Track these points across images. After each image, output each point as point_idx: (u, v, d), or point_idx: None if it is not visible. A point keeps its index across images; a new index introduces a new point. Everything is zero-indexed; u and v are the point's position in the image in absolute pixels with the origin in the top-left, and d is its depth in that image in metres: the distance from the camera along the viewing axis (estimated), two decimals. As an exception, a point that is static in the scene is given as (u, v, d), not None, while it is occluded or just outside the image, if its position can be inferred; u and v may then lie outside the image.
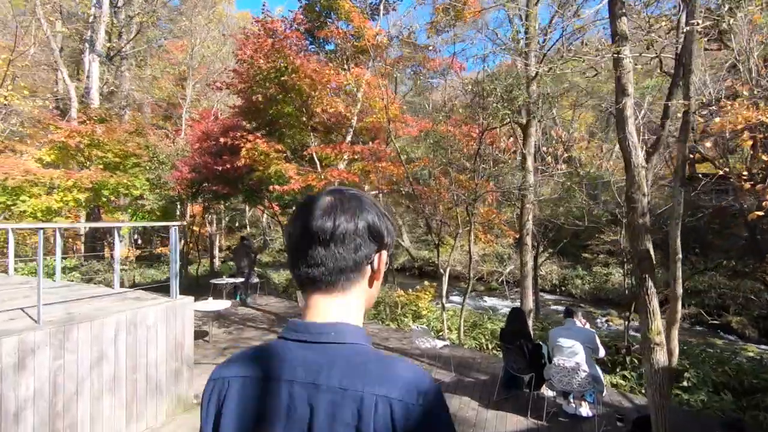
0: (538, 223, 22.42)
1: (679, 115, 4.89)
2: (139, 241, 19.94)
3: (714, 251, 19.52)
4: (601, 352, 4.74)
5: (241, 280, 11.00)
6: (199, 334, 8.16)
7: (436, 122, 6.75)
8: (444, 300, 8.85)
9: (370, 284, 0.82)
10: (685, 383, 6.54)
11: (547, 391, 5.48)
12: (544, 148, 9.10)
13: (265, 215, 17.94)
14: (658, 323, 4.16)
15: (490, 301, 19.75)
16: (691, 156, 20.96)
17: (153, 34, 18.64)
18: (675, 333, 4.36)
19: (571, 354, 4.64)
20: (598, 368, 4.73)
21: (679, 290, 4.29)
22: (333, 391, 0.67)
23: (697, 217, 15.62)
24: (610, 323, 15.14)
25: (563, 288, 19.64)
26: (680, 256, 4.28)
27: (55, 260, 6.63)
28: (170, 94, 18.27)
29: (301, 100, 7.50)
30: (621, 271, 19.18)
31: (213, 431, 0.74)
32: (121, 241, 15.55)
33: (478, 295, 20.34)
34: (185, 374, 5.12)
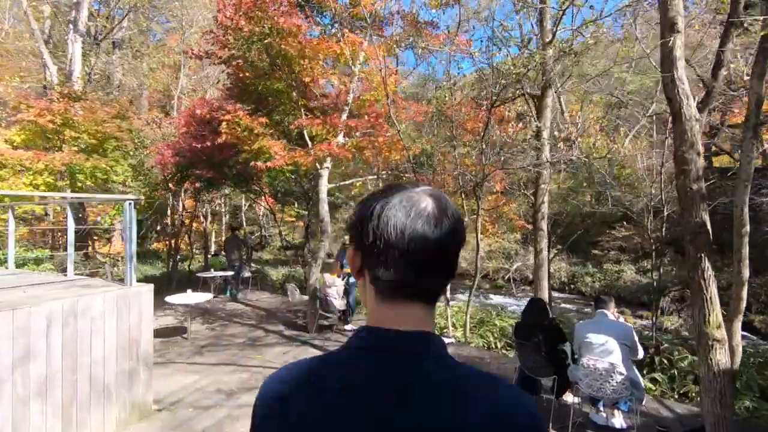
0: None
1: (732, 65, 4.06)
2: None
3: (731, 248, 18.53)
4: (640, 352, 3.88)
5: (231, 273, 10.20)
6: (178, 330, 7.36)
7: (439, 90, 5.91)
8: (448, 294, 7.99)
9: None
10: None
11: (569, 397, 4.61)
12: (556, 133, 8.24)
13: (262, 210, 17.16)
14: (717, 314, 3.29)
15: (496, 299, 18.84)
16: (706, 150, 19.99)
17: (146, 22, 17.92)
18: (738, 327, 3.50)
19: (603, 353, 3.77)
20: (636, 371, 3.86)
21: (746, 273, 3.44)
22: (424, 411, 0.57)
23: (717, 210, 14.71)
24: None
25: (572, 286, 18.71)
26: (747, 228, 3.42)
27: (36, 251, 5.82)
28: (166, 86, 17.58)
29: (288, 69, 6.67)
30: (633, 268, 18.30)
31: None
32: (111, 236, 14.81)
33: (483, 293, 19.44)
34: (142, 375, 4.30)
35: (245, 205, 16.91)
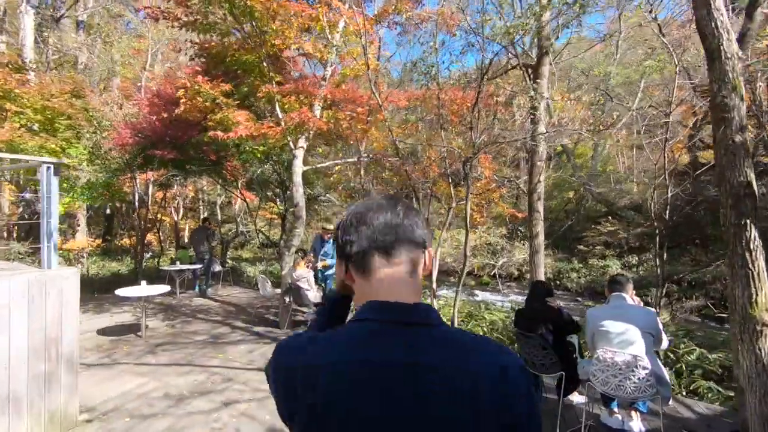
0: (525, 220, 21.18)
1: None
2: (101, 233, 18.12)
3: (715, 243, 18.42)
4: (665, 342, 3.25)
5: (199, 266, 9.34)
6: (132, 328, 6.50)
7: (425, 53, 5.24)
8: (434, 286, 7.31)
9: (425, 270, 0.84)
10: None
11: (575, 397, 3.97)
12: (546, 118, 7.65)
13: (238, 205, 16.22)
14: (767, 293, 2.68)
15: (481, 296, 18.30)
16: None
17: (118, 8, 16.84)
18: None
19: (623, 343, 3.12)
20: (661, 364, 3.22)
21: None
22: (433, 366, 0.68)
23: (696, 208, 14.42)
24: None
25: (558, 282, 18.30)
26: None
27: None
28: (138, 74, 16.53)
29: (258, 37, 5.89)
30: (618, 263, 17.98)
31: (311, 423, 0.70)
32: (75, 230, 13.72)
33: (468, 289, 18.87)
34: (64, 380, 3.48)
35: (220, 196, 15.96)
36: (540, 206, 5.64)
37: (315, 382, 0.70)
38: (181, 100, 5.75)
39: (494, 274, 18.72)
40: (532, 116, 5.67)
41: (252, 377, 4.65)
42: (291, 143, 6.89)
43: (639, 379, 3.03)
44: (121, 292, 6.06)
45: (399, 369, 0.69)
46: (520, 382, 0.70)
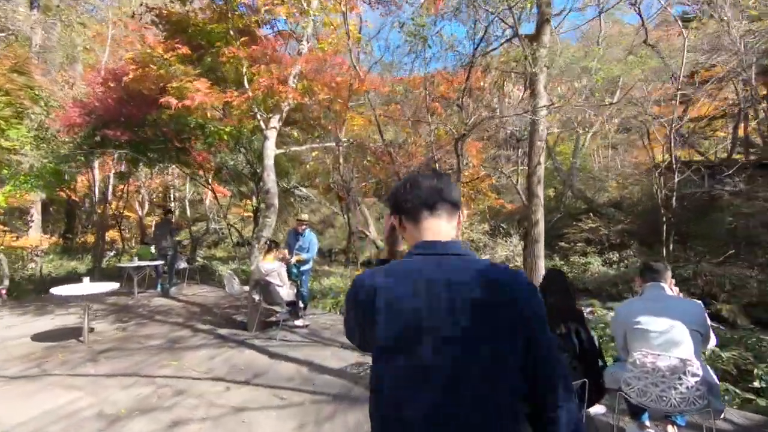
0: (509, 215, 20.75)
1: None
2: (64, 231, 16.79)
3: (694, 240, 18.42)
4: (712, 341, 2.64)
5: (161, 263, 8.42)
6: (75, 332, 5.60)
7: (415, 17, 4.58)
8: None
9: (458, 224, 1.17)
10: (756, 383, 4.61)
11: (594, 408, 3.34)
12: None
13: (208, 200, 15.20)
14: None
15: (463, 294, 17.83)
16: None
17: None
18: None
19: (667, 344, 2.51)
20: (710, 369, 2.62)
21: None
22: (464, 282, 1.00)
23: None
24: (594, 314, 13.45)
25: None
26: None
27: None
28: (97, 59, 15.34)
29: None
30: (599, 260, 17.74)
31: (370, 319, 1.03)
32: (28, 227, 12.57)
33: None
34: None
35: (190, 191, 14.93)
36: (540, 190, 5.04)
37: (383, 293, 1.03)
38: (131, 67, 4.90)
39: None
40: (531, 89, 5.05)
41: (209, 389, 3.87)
42: (262, 123, 6.12)
43: (687, 388, 2.42)
44: (58, 291, 5.16)
45: (439, 282, 1.00)
46: (526, 287, 1.03)
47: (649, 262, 2.82)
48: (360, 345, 1.17)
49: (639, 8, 14.92)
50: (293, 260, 6.13)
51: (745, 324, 13.64)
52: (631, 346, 2.64)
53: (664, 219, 5.35)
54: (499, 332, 0.97)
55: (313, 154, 7.63)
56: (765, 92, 17.81)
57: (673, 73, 17.93)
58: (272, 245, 5.85)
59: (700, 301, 2.63)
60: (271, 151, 6.16)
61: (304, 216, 6.38)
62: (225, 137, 6.57)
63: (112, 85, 6.86)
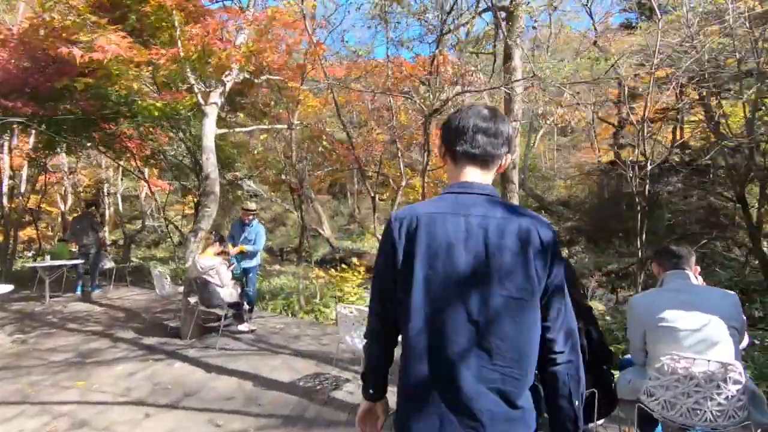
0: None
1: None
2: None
3: (636, 235, 19.19)
4: (746, 340, 2.21)
5: (81, 261, 7.22)
6: (-49, 347, 4.45)
7: None
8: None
9: (499, 170, 1.21)
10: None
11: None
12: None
13: (144, 195, 13.73)
14: None
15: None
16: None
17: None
18: None
19: (702, 345, 2.03)
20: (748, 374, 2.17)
21: None
22: (498, 219, 1.05)
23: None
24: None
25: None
26: None
27: None
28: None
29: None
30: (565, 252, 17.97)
31: (409, 248, 1.05)
32: None
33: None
34: None
35: (121, 183, 13.42)
36: (515, 176, 4.58)
37: (421, 224, 1.06)
38: (26, 16, 3.89)
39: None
40: (506, 65, 4.57)
41: (121, 417, 3.01)
42: (200, 97, 5.24)
43: (727, 398, 1.95)
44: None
45: (475, 216, 1.05)
46: (555, 236, 1.07)
47: (670, 246, 2.35)
48: (383, 289, 1.14)
49: (590, 9, 15.07)
50: (234, 251, 5.29)
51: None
52: (654, 348, 2.15)
53: (639, 208, 5.08)
54: (528, 266, 1.02)
55: (262, 137, 6.77)
56: (697, 98, 18.91)
57: (618, 75, 18.64)
58: (218, 240, 4.99)
59: (732, 292, 2.17)
60: (210, 130, 5.30)
61: (252, 205, 5.55)
62: (156, 113, 5.57)
63: (16, 46, 5.66)
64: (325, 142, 7.11)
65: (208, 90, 5.29)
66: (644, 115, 5.33)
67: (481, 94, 4.99)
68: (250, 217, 5.46)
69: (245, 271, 5.48)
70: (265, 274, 11.13)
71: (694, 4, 6.33)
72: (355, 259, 7.67)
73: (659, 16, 5.55)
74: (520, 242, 1.02)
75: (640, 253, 5.39)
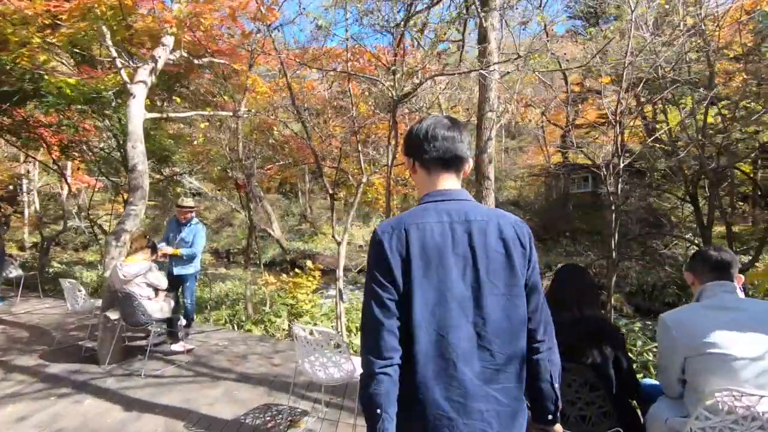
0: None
1: None
2: None
3: (582, 235, 19.86)
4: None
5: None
6: None
7: None
8: (341, 283, 5.40)
9: (464, 174, 1.25)
10: None
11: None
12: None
13: (65, 192, 12.13)
14: None
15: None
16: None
17: None
18: None
19: (764, 377, 1.60)
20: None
21: None
22: (478, 221, 1.11)
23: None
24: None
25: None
26: None
27: None
28: None
29: None
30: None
31: (404, 259, 1.07)
32: None
33: (358, 287, 17.28)
34: None
35: (37, 178, 11.80)
36: (491, 172, 4.13)
37: (411, 234, 1.09)
38: None
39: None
40: (480, 50, 4.13)
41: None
42: (123, 74, 4.38)
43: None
44: None
45: (458, 222, 1.11)
46: (529, 233, 1.15)
47: (709, 251, 1.92)
48: (385, 308, 1.08)
49: (542, 10, 15.27)
50: (168, 251, 4.46)
51: (629, 312, 14.81)
52: (699, 379, 1.72)
53: (614, 207, 4.82)
54: (512, 262, 1.09)
55: (202, 125, 5.88)
56: (635, 104, 19.89)
57: (566, 77, 19.16)
58: (150, 246, 4.13)
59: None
60: (137, 113, 4.43)
61: (189, 201, 4.72)
62: (69, 92, 4.59)
63: None
64: (276, 133, 6.38)
65: (135, 66, 4.42)
66: (617, 112, 5.07)
67: (457, 77, 4.52)
68: (188, 216, 4.64)
69: (181, 279, 4.65)
70: (209, 279, 10.13)
71: (641, 12, 6.35)
72: (309, 263, 6.96)
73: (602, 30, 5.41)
74: (502, 241, 1.10)
75: (614, 254, 5.13)
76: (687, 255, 14.28)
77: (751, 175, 13.13)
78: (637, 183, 18.21)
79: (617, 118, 4.98)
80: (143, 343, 4.47)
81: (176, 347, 4.28)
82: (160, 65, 4.69)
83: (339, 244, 5.41)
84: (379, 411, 1.01)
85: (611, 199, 5.17)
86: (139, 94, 4.49)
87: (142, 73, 4.51)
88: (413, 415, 1.05)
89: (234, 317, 6.61)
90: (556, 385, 1.15)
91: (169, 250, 4.45)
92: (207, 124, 5.94)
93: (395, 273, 1.06)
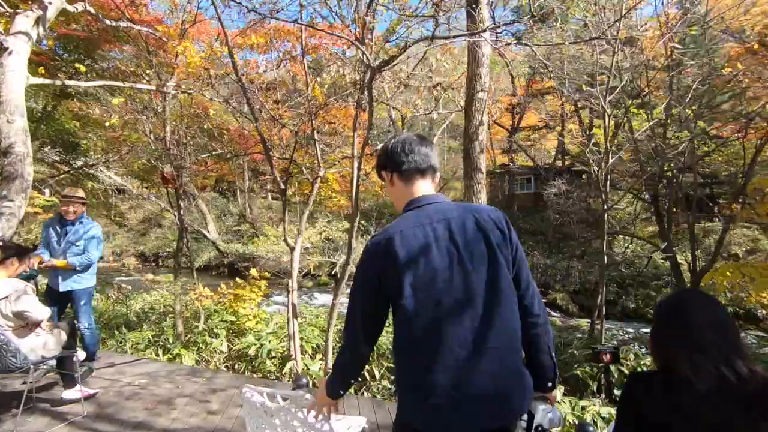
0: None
1: None
2: None
3: (525, 235, 20.16)
4: None
5: None
6: None
7: None
8: (294, 296, 4.45)
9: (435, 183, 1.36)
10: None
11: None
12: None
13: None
14: None
15: (322, 299, 15.88)
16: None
17: None
18: None
19: None
20: None
21: None
22: (456, 218, 1.19)
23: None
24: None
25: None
26: None
27: None
28: None
29: None
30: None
31: (393, 265, 1.16)
32: None
33: (306, 292, 16.24)
34: None
35: None
36: (482, 162, 3.43)
37: (395, 240, 1.17)
38: None
39: (334, 273, 16.58)
40: (469, 17, 3.43)
41: None
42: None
43: None
44: None
45: (438, 222, 1.19)
46: (500, 213, 1.26)
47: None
48: (367, 315, 1.25)
49: (493, 14, 15.08)
50: (43, 258, 3.28)
51: (574, 310, 15.07)
52: None
53: (605, 207, 4.30)
54: (494, 248, 1.17)
55: (115, 102, 4.59)
56: (573, 109, 20.61)
57: (513, 78, 19.38)
58: (14, 254, 2.91)
59: None
60: (17, 75, 3.24)
61: (78, 191, 3.50)
62: None
63: None
64: (213, 114, 5.27)
65: (12, 12, 3.23)
66: (605, 113, 4.61)
67: (448, 42, 3.79)
68: (76, 210, 3.44)
69: (71, 297, 3.47)
70: (132, 288, 8.60)
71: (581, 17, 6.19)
72: (253, 271, 5.91)
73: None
74: (481, 231, 1.18)
75: (605, 258, 4.65)
76: (624, 254, 14.85)
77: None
78: (576, 184, 18.84)
79: (605, 115, 4.50)
80: (20, 389, 3.25)
81: (70, 394, 3.10)
82: (51, 14, 3.52)
83: (292, 249, 4.46)
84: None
85: (602, 197, 4.67)
86: (18, 50, 3.29)
87: (23, 23, 3.31)
88: (420, 397, 1.13)
89: (159, 338, 5.42)
90: (553, 354, 1.25)
91: (53, 261, 3.27)
92: (122, 101, 4.69)
93: (386, 280, 1.18)
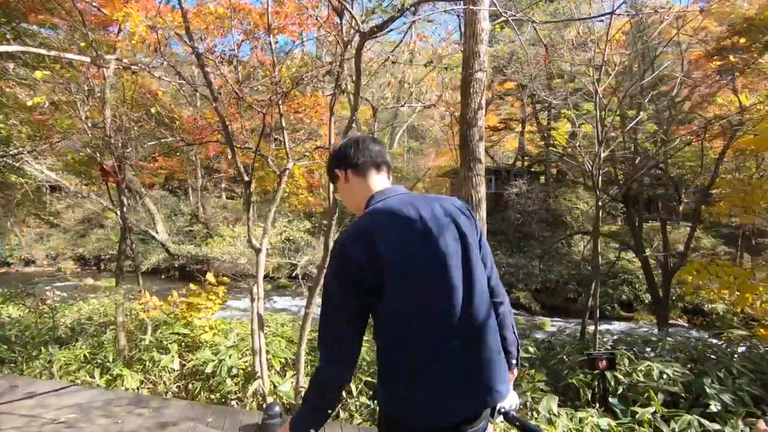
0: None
1: None
2: None
3: (487, 234, 20.22)
4: None
5: None
6: None
7: None
8: (260, 307, 3.85)
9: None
10: (712, 406, 3.65)
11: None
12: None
13: None
14: None
15: (281, 302, 15.10)
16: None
17: None
18: None
19: None
20: None
21: None
22: (424, 206, 1.19)
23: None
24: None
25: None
26: None
27: None
28: None
29: None
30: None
31: (372, 260, 1.09)
32: None
33: (263, 295, 15.28)
34: None
35: None
36: (481, 152, 3.03)
37: (375, 235, 1.12)
38: None
39: (294, 274, 15.80)
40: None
41: None
42: None
43: None
44: None
45: (408, 213, 1.16)
46: (461, 201, 1.29)
47: None
48: (349, 319, 1.14)
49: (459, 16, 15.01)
50: None
51: (536, 309, 15.20)
52: None
53: (601, 204, 4.04)
54: (463, 233, 1.18)
55: (39, 75, 3.79)
56: (531, 111, 21.04)
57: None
58: None
59: None
60: None
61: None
62: None
63: None
64: (162, 94, 4.54)
65: None
66: (597, 110, 4.37)
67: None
68: None
69: None
70: (66, 296, 7.53)
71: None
72: (210, 276, 5.23)
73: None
74: (450, 217, 1.20)
75: (599, 259, 4.40)
76: (583, 253, 15.18)
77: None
78: (536, 185, 19.16)
79: (597, 110, 4.25)
80: None
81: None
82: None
83: (258, 251, 3.87)
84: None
85: (597, 193, 4.41)
86: None
87: None
88: (418, 387, 1.11)
89: (97, 356, 4.62)
90: (515, 329, 1.35)
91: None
92: (47, 75, 3.87)
93: (366, 277, 1.11)
